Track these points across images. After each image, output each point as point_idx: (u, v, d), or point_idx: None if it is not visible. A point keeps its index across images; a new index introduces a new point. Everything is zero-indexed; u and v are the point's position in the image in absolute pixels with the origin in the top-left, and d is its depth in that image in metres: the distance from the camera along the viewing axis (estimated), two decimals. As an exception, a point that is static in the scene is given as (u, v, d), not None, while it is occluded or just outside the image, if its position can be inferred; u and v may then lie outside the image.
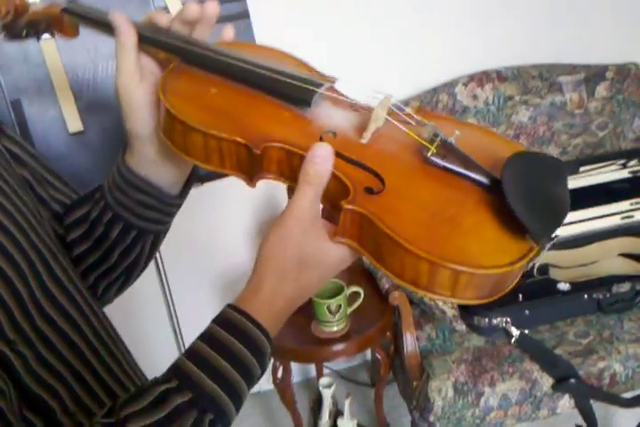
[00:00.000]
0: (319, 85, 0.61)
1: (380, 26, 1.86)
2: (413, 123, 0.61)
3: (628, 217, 2.02)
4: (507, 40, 2.01)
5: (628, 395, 1.65)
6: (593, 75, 2.04)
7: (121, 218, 0.69)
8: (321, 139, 0.58)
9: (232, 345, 0.53)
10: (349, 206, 0.52)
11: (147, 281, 1.67)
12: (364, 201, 0.53)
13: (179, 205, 0.72)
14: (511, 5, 1.96)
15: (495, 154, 0.58)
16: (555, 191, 0.56)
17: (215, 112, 0.60)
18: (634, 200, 2.00)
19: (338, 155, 0.56)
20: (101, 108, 1.10)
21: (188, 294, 1.82)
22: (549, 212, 0.54)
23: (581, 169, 1.97)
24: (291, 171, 0.57)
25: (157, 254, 1.29)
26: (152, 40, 0.63)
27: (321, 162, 0.53)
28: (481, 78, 1.95)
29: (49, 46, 0.98)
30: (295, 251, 0.54)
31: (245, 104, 0.61)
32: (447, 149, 0.57)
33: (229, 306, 0.56)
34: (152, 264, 1.30)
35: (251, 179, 0.59)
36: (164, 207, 0.69)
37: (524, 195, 0.53)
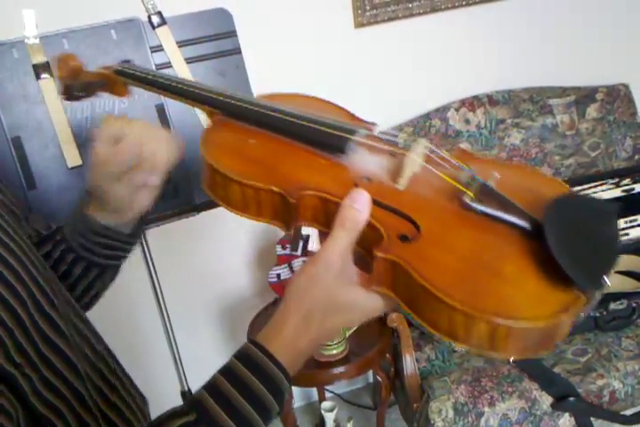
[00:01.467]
0: (353, 133, 0.62)
1: (373, 54, 1.91)
2: (450, 167, 0.60)
3: (623, 235, 2.04)
4: (497, 65, 2.07)
5: (628, 412, 1.65)
6: (583, 96, 2.09)
7: (84, 258, 0.74)
8: (356, 185, 0.57)
9: (252, 383, 0.54)
10: (381, 254, 0.51)
11: (145, 306, 1.70)
12: (398, 249, 0.52)
13: (136, 242, 0.77)
14: (500, 31, 2.02)
15: (540, 196, 0.54)
16: (603, 236, 0.52)
17: (253, 162, 0.61)
18: (628, 218, 2.03)
19: (373, 201, 0.55)
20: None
21: (185, 320, 1.84)
22: (596, 259, 0.50)
23: (574, 189, 2.00)
24: (326, 217, 0.57)
25: (155, 280, 1.32)
26: (195, 96, 0.69)
27: (357, 208, 0.54)
28: (472, 103, 2.00)
29: (47, 85, 1.03)
30: (323, 294, 0.54)
31: (283, 153, 0.62)
32: (485, 193, 0.55)
33: (252, 342, 0.56)
34: (150, 290, 1.33)
35: (287, 227, 0.59)
36: (124, 246, 0.75)
37: (569, 241, 0.50)
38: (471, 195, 0.55)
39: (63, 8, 1.44)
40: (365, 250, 0.55)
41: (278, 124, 0.64)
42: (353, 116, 0.70)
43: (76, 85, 0.76)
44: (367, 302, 0.55)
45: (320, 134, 0.62)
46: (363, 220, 0.54)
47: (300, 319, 0.55)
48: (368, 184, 0.58)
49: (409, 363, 1.69)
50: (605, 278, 0.49)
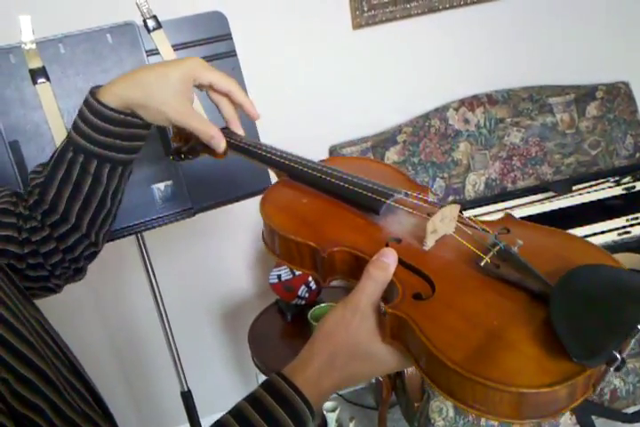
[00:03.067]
0: (388, 196, 0.68)
1: (372, 55, 1.92)
2: (476, 230, 0.64)
3: (625, 233, 2.04)
4: (496, 64, 2.07)
5: (629, 410, 1.65)
6: (583, 95, 2.09)
7: (106, 158, 0.75)
8: (387, 245, 0.63)
9: (278, 414, 0.56)
10: (390, 310, 0.55)
11: (144, 307, 1.71)
12: (409, 306, 0.55)
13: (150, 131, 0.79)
14: (498, 30, 2.02)
15: (569, 265, 0.54)
16: (620, 312, 0.49)
17: (300, 220, 0.69)
18: (630, 216, 2.02)
19: (399, 260, 0.60)
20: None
21: (185, 320, 1.85)
22: (603, 333, 0.48)
23: (575, 187, 2.00)
24: (355, 271, 0.62)
25: (154, 281, 1.33)
26: (272, 162, 0.77)
27: (384, 266, 0.58)
28: (472, 102, 2.00)
29: (45, 90, 1.04)
30: (348, 339, 0.58)
31: (327, 212, 0.70)
32: (505, 258, 0.57)
33: (279, 375, 0.59)
34: (149, 291, 1.34)
35: (324, 279, 0.66)
36: (142, 132, 0.76)
37: (575, 311, 0.49)
38: (488, 260, 0.57)
39: (59, 13, 1.46)
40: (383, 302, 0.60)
41: (328, 186, 0.72)
42: (409, 180, 0.76)
43: (185, 148, 0.84)
44: (387, 355, 0.58)
45: (358, 196, 0.69)
46: (388, 277, 0.58)
47: (325, 359, 0.58)
48: (397, 244, 0.63)
49: (410, 363, 1.69)
50: (616, 354, 0.47)
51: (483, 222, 0.65)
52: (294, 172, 0.75)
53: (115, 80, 0.74)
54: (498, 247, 0.58)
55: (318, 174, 0.73)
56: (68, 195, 0.76)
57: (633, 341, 0.48)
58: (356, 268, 0.62)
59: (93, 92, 0.74)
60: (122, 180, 0.79)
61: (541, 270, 0.55)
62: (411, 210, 0.68)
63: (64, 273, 0.82)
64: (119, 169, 0.77)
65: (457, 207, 0.64)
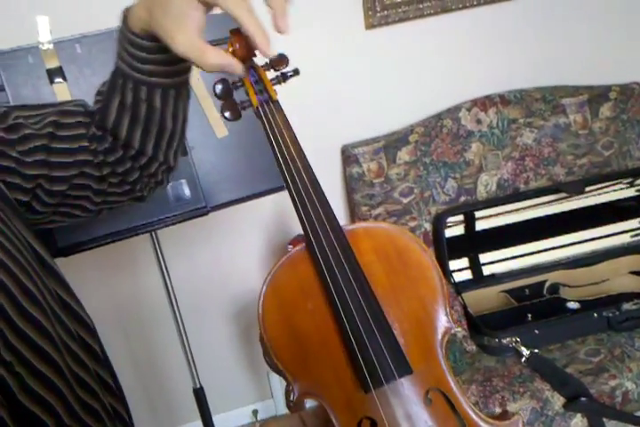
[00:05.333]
0: (381, 384, 0.63)
1: (384, 54, 1.92)
2: None
3: (637, 235, 2.03)
4: (509, 64, 2.07)
5: (641, 413, 1.64)
6: (596, 95, 2.08)
7: (155, 84, 0.71)
8: (359, 423, 0.61)
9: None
10: None
11: (158, 307, 1.73)
12: None
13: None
14: (511, 30, 2.02)
15: None
16: None
17: (293, 339, 0.65)
18: (642, 218, 2.02)
19: None
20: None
21: (198, 319, 1.87)
22: None
23: (588, 188, 1.99)
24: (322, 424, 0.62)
25: (168, 280, 1.35)
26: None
27: None
28: (484, 103, 2.00)
29: (61, 90, 1.05)
30: None
31: (325, 343, 0.65)
32: None
33: None
34: (162, 290, 1.36)
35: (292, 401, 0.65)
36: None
37: None
38: None
39: (76, 14, 1.47)
40: None
41: (339, 322, 0.64)
42: (444, 296, 0.70)
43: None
44: None
45: (360, 365, 0.62)
46: None
47: None
48: (369, 425, 0.61)
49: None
50: None
51: None
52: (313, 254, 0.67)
53: None
54: None
55: (336, 296, 0.64)
56: (127, 122, 0.74)
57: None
58: (322, 419, 0.61)
59: (125, 15, 0.70)
60: (179, 101, 0.75)
61: None
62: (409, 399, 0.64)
63: (146, 185, 0.82)
64: (171, 92, 0.73)
65: None
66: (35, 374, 0.58)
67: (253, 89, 0.74)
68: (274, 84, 0.75)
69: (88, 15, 1.40)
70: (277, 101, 0.74)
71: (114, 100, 0.73)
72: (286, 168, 0.71)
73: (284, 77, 0.76)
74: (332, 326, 0.65)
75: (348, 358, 0.64)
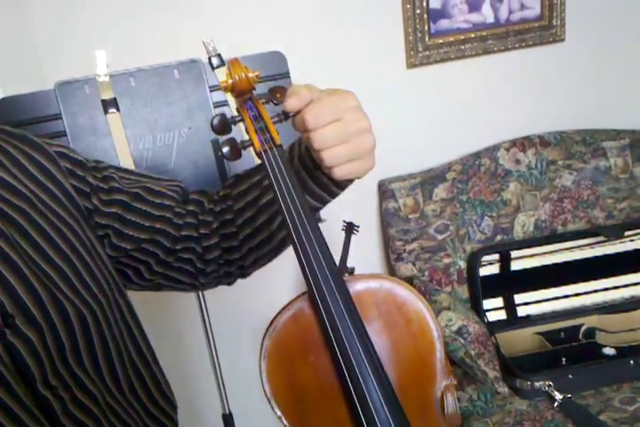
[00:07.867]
0: None
1: (425, 93, 1.96)
2: None
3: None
4: (549, 106, 2.08)
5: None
6: (638, 140, 2.07)
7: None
8: None
9: None
10: None
11: (189, 324, 1.75)
12: None
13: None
14: (553, 72, 2.04)
15: None
16: None
17: (294, 392, 0.65)
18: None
19: None
20: (161, 171, 1.22)
21: (230, 344, 1.88)
22: None
23: (627, 233, 1.97)
24: None
25: (203, 302, 1.37)
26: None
27: None
28: (523, 143, 2.01)
29: (115, 119, 1.11)
30: None
31: (325, 398, 0.65)
32: None
33: None
34: (195, 308, 1.38)
35: None
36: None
37: None
38: None
39: (131, 49, 1.55)
40: None
41: (343, 386, 0.63)
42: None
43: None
44: None
45: (362, 418, 0.62)
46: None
47: None
48: None
49: (450, 402, 1.67)
50: None
51: None
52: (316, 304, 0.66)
53: None
54: None
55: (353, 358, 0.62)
56: (247, 216, 0.78)
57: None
58: None
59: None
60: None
61: None
62: None
63: (215, 272, 0.83)
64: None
65: None
66: (74, 399, 0.61)
67: (254, 127, 0.69)
68: (275, 123, 0.70)
69: (142, 51, 1.48)
70: (281, 146, 0.69)
71: (247, 196, 0.77)
72: (290, 221, 0.68)
73: (285, 116, 0.70)
74: (333, 379, 0.65)
75: (349, 412, 0.64)
